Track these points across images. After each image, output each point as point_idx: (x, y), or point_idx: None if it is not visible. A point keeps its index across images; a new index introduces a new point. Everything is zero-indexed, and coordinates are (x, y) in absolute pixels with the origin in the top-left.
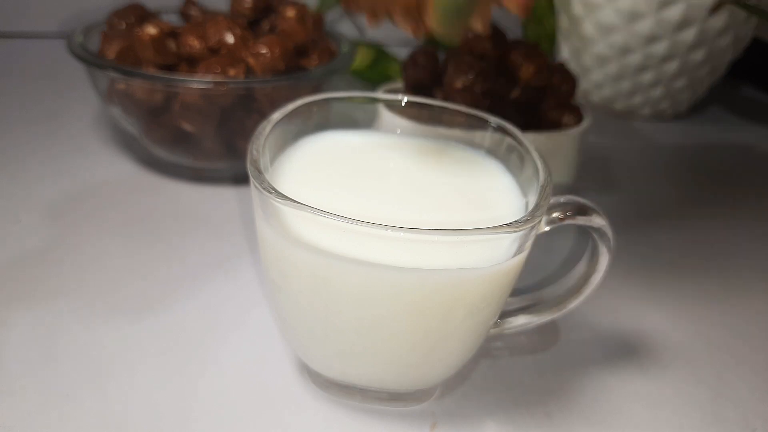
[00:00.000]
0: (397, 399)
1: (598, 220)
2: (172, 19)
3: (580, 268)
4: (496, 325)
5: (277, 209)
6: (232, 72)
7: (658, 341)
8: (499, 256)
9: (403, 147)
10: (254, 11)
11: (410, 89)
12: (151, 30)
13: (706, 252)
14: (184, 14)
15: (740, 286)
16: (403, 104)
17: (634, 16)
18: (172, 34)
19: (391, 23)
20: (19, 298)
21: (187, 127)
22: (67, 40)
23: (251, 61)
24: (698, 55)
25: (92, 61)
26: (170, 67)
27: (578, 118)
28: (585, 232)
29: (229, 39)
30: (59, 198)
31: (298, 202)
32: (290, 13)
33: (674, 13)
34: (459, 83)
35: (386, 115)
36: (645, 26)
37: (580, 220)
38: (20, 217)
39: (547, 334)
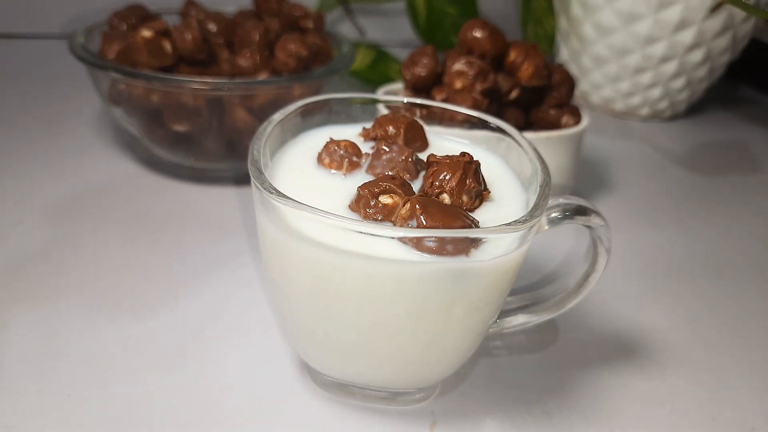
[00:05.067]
0: (397, 398)
1: (596, 220)
2: (173, 20)
3: (579, 267)
4: (495, 324)
5: (277, 209)
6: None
7: (656, 341)
8: (497, 253)
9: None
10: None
11: (410, 89)
12: (145, 33)
13: (704, 252)
14: (184, 15)
15: (739, 286)
16: (403, 104)
17: (632, 17)
18: (167, 34)
19: None
20: (21, 299)
21: (179, 127)
22: (68, 41)
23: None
24: (696, 56)
25: (93, 61)
26: (169, 68)
27: (577, 119)
28: (584, 231)
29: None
30: (61, 199)
31: (299, 202)
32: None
33: (673, 14)
34: (459, 83)
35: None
36: (644, 27)
37: (579, 220)
38: (22, 218)
39: (546, 333)
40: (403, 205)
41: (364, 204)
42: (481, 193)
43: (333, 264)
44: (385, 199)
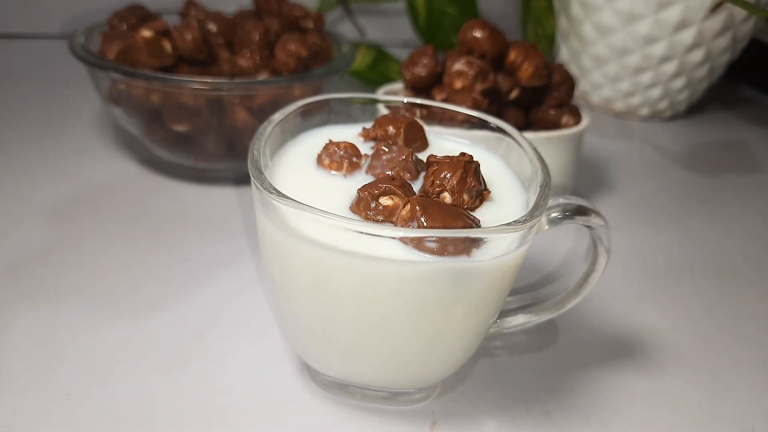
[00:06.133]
0: (397, 398)
1: (596, 220)
2: (173, 20)
3: (579, 267)
4: (495, 324)
5: (278, 209)
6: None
7: (656, 341)
8: (498, 253)
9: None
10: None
11: (410, 89)
12: (145, 33)
13: (704, 252)
14: (184, 15)
15: (739, 286)
16: (403, 104)
17: (632, 17)
18: (167, 34)
19: None
20: (21, 299)
21: (179, 127)
22: (68, 41)
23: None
24: (696, 56)
25: (93, 61)
26: (169, 68)
27: (577, 119)
28: (584, 231)
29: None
30: (61, 199)
31: (300, 202)
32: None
33: (673, 14)
34: (459, 83)
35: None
36: (643, 27)
37: (579, 220)
38: (22, 218)
39: (546, 333)
40: (404, 207)
41: (365, 206)
42: (481, 193)
43: (333, 264)
44: (385, 201)
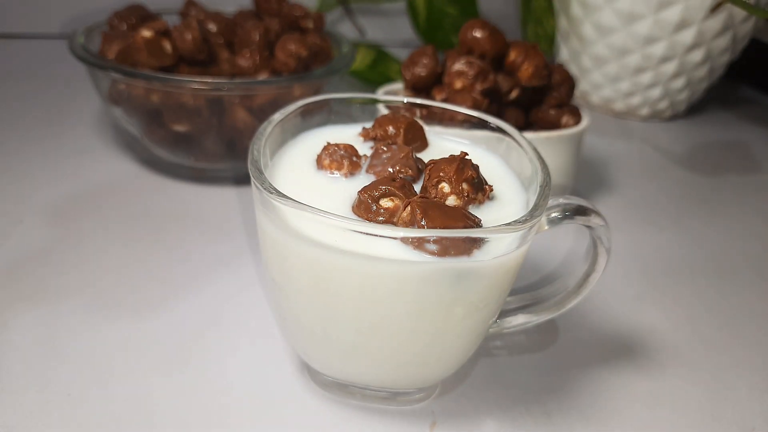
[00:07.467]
0: (397, 398)
1: (596, 220)
2: (173, 20)
3: (579, 267)
4: (495, 324)
5: (278, 209)
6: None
7: (656, 341)
8: (498, 253)
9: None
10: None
11: (410, 90)
12: (145, 33)
13: (704, 252)
14: (184, 15)
15: (739, 286)
16: (403, 104)
17: (632, 17)
18: (167, 34)
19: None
20: (21, 299)
21: (179, 127)
22: (68, 41)
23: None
24: (696, 56)
25: (93, 61)
26: (169, 68)
27: (577, 119)
28: (584, 231)
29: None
30: (61, 199)
31: (300, 202)
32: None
33: (673, 14)
34: (459, 83)
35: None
36: (643, 27)
37: (579, 220)
38: (22, 218)
39: (546, 333)
40: (404, 209)
41: (365, 209)
42: (482, 186)
43: (333, 264)
44: (385, 203)
